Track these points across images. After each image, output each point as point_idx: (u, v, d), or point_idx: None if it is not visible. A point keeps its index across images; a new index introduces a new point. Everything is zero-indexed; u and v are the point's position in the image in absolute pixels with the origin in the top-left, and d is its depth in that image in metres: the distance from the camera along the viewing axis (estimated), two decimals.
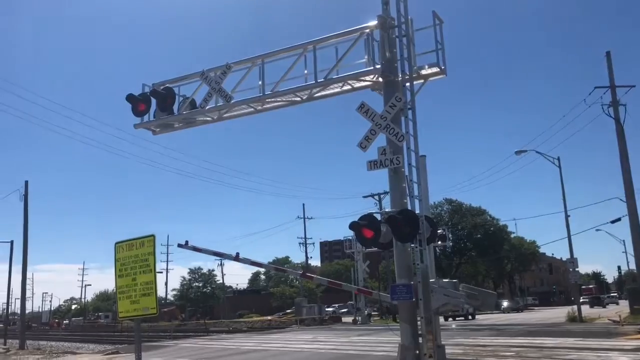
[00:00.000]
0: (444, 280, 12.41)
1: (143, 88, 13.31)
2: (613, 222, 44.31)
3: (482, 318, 49.81)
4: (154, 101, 13.16)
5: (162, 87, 13.18)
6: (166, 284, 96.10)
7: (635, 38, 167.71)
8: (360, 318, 48.20)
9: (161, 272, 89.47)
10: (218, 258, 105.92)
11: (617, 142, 37.91)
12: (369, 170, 10.34)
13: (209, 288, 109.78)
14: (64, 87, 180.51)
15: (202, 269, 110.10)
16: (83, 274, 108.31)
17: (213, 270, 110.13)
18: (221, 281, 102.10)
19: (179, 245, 18.21)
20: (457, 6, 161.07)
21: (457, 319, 46.14)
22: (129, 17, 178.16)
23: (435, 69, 10.85)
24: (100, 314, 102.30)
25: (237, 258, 17.61)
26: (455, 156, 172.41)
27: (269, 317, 62.58)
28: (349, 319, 51.65)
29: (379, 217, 10.37)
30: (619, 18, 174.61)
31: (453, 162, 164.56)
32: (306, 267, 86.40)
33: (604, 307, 64.60)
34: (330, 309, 65.05)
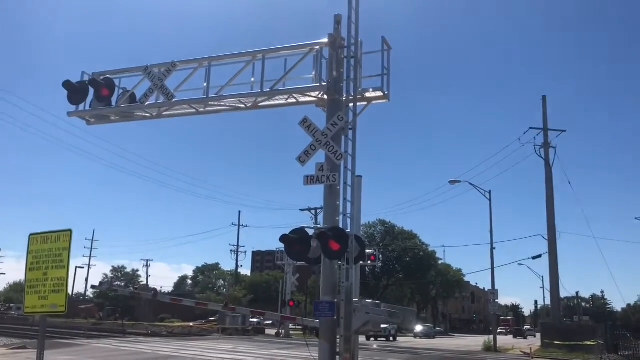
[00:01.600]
0: (367, 300, 12.54)
1: (82, 76, 12.81)
2: (534, 258, 46.60)
3: (402, 341, 50.66)
4: (91, 90, 12.72)
5: (102, 77, 12.74)
6: (87, 279, 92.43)
7: (569, 85, 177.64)
8: (283, 331, 47.95)
9: (82, 268, 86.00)
10: (144, 259, 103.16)
11: (544, 183, 39.93)
12: (305, 185, 10.37)
13: (132, 288, 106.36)
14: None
15: (125, 268, 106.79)
16: None
17: (137, 270, 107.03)
18: (145, 282, 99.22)
19: (92, 287, 19.23)
20: (410, 35, 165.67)
21: (378, 339, 46.69)
22: (79, 3, 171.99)
23: (379, 93, 11.04)
24: (12, 305, 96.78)
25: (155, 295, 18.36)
26: (394, 180, 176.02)
27: (191, 324, 61.14)
28: (273, 331, 51.28)
29: (311, 232, 10.39)
30: (558, 63, 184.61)
31: (391, 185, 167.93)
32: (236, 275, 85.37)
33: (525, 338, 68.53)
34: (255, 320, 64.26)
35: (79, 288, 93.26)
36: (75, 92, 12.69)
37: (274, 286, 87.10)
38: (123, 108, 12.79)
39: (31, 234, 9.28)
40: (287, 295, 50.37)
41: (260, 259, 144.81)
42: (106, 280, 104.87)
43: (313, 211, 53.12)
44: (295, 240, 9.97)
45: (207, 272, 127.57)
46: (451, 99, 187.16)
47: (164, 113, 12.86)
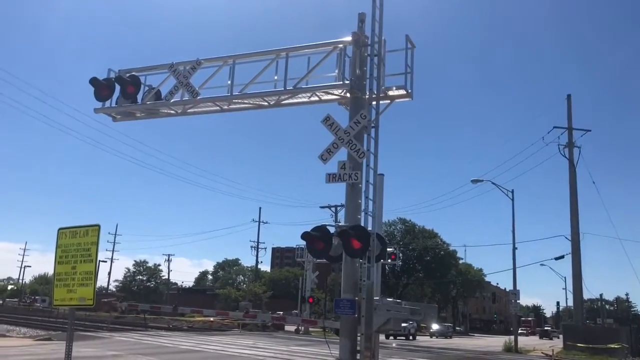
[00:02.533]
0: (388, 299, 12.57)
1: (109, 73, 13.06)
2: (557, 258, 45.94)
3: (422, 340, 50.48)
4: (118, 87, 12.94)
5: (128, 75, 12.95)
6: (109, 273, 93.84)
7: (594, 84, 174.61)
8: (302, 328, 48.10)
9: (105, 262, 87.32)
10: (166, 254, 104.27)
11: (568, 182, 39.37)
12: (328, 183, 10.42)
13: (154, 282, 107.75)
14: (23, 62, 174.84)
15: (147, 262, 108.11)
16: (24, 254, 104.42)
17: (159, 265, 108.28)
18: (166, 277, 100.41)
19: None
20: (432, 34, 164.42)
21: (398, 338, 46.60)
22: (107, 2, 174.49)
23: (402, 91, 11.02)
24: (37, 297, 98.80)
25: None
26: (415, 178, 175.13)
27: (211, 318, 61.66)
28: (292, 328, 51.47)
29: (332, 229, 10.44)
30: (583, 62, 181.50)
31: (412, 183, 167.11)
32: (256, 270, 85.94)
33: (551, 339, 68.85)
34: (271, 315, 64.64)
35: (102, 282, 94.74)
36: (101, 88, 12.93)
37: (293, 282, 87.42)
38: (148, 105, 12.98)
39: (60, 229, 9.53)
40: (306, 292, 50.51)
41: (280, 255, 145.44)
42: (129, 274, 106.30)
43: (333, 208, 53.16)
44: (316, 238, 10.02)
45: (227, 268, 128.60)
46: (474, 96, 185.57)
47: (189, 110, 13.01)
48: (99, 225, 8.93)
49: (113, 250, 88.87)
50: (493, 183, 40.49)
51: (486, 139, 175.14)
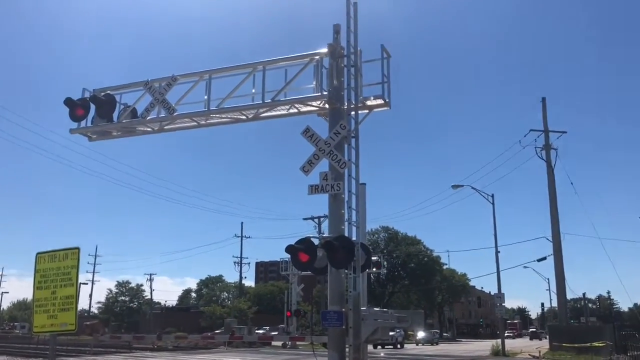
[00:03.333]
0: (375, 308, 12.52)
1: (83, 93, 12.87)
2: (539, 260, 46.36)
3: (409, 347, 50.43)
4: (92, 107, 12.77)
5: (102, 94, 12.80)
6: (90, 295, 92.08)
7: (569, 85, 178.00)
8: (289, 342, 47.69)
9: (86, 284, 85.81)
10: (147, 273, 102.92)
11: (547, 184, 39.88)
12: (310, 194, 10.37)
13: (136, 303, 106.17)
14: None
15: (130, 283, 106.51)
16: (0, 281, 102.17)
17: (142, 285, 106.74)
18: (149, 296, 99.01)
19: None
20: (407, 40, 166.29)
21: (385, 347, 46.46)
22: (78, 19, 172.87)
23: (380, 101, 11.05)
24: (16, 323, 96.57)
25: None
26: (396, 186, 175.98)
27: (189, 339, 60.65)
28: (279, 343, 50.99)
29: (316, 241, 10.37)
30: (559, 62, 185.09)
31: (393, 191, 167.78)
32: (240, 286, 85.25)
33: (541, 340, 70.12)
34: (261, 331, 64.09)
35: (83, 304, 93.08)
36: (76, 109, 12.74)
37: (278, 296, 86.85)
38: (125, 123, 12.82)
39: (38, 253, 9.25)
40: (292, 305, 50.22)
41: (264, 269, 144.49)
42: (111, 295, 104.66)
43: (316, 220, 53.08)
44: (301, 250, 9.94)
45: (210, 285, 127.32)
46: (451, 103, 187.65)
47: (166, 127, 12.87)
48: (78, 248, 8.75)
49: (94, 272, 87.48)
50: (473, 188, 40.85)
51: (465, 145, 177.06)
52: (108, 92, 12.86)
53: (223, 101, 11.91)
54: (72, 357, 31.43)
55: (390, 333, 43.00)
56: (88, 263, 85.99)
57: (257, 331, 58.67)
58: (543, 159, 39.35)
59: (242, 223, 76.37)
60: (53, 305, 8.67)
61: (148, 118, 12.46)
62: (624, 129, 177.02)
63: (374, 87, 11.16)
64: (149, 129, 13.07)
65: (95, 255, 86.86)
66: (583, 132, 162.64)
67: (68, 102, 12.66)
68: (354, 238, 9.85)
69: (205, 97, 12.05)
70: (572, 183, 57.77)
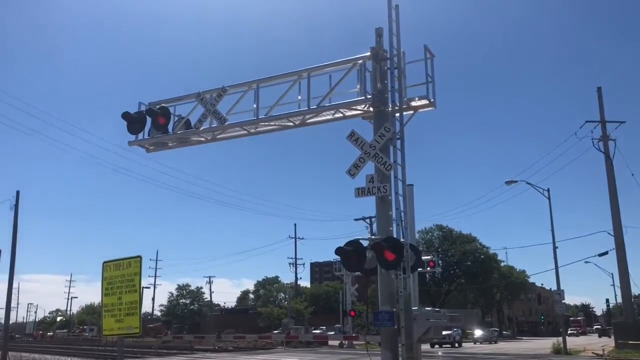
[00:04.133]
0: (427, 308, 12.61)
1: (139, 106, 13.57)
2: (601, 255, 44.71)
3: (467, 346, 49.67)
4: (149, 119, 13.42)
5: (157, 107, 13.43)
6: (153, 299, 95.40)
7: (627, 74, 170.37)
8: (346, 342, 47.93)
9: (148, 288, 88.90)
10: (207, 276, 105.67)
11: (606, 176, 38.49)
12: (357, 197, 10.59)
13: (196, 305, 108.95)
14: (59, 99, 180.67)
15: (190, 286, 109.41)
16: (70, 286, 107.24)
17: (201, 287, 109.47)
18: (209, 298, 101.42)
19: None
20: (452, 37, 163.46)
21: (443, 346, 45.97)
22: (131, 35, 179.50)
23: (424, 101, 11.15)
24: (85, 327, 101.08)
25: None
26: (448, 184, 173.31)
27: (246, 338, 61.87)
28: (336, 342, 51.32)
29: (365, 242, 10.58)
30: (613, 52, 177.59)
31: (445, 189, 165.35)
32: (296, 287, 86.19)
33: (609, 337, 67.20)
34: (318, 331, 64.65)
35: (146, 307, 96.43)
36: (134, 122, 13.44)
37: (333, 297, 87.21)
38: (179, 134, 13.42)
39: (104, 262, 10.07)
40: (347, 305, 50.41)
41: (319, 270, 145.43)
42: (172, 298, 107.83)
43: (368, 220, 53.03)
44: (350, 252, 10.18)
45: (267, 286, 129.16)
46: (503, 98, 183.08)
47: (218, 136, 13.39)
48: (140, 257, 9.40)
49: (155, 276, 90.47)
50: (528, 183, 39.83)
51: (519, 141, 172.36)
52: (163, 104, 13.49)
53: (271, 109, 12.29)
54: (137, 357, 32.77)
55: (447, 332, 42.59)
56: (149, 267, 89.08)
57: (313, 331, 59.27)
58: (601, 151, 37.95)
59: (295, 224, 76.98)
60: (119, 310, 9.36)
61: (201, 128, 13.00)
62: None
63: (418, 87, 11.28)
64: (202, 139, 13.62)
65: (157, 260, 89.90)
66: None
67: (126, 115, 13.37)
68: (402, 239, 9.98)
69: (254, 105, 12.48)
70: (632, 174, 55.22)
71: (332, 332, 67.58)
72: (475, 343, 57.09)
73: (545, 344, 43.98)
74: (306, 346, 47.37)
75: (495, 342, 58.91)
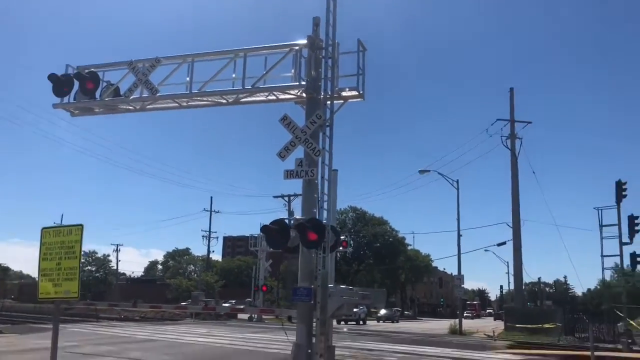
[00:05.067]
0: (341, 286, 13.38)
1: (67, 69, 13.21)
2: (499, 244, 48.16)
3: (371, 324, 52.02)
4: (76, 83, 13.11)
5: (86, 71, 13.14)
6: None
7: (535, 75, 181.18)
8: (255, 316, 48.74)
9: None
10: (114, 243, 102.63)
11: (510, 172, 41.39)
12: (285, 179, 11.05)
13: (102, 273, 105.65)
14: None
15: (97, 253, 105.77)
16: None
17: (108, 255, 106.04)
18: (115, 267, 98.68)
19: None
20: (383, 29, 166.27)
21: (348, 322, 47.91)
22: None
23: (354, 92, 11.71)
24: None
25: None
26: (366, 171, 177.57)
27: (163, 308, 61.19)
28: (245, 316, 52.05)
29: (288, 222, 11.11)
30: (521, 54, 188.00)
31: (363, 175, 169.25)
32: (208, 260, 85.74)
33: (503, 320, 73.22)
34: (227, 305, 64.91)
35: None
36: (60, 84, 13.07)
37: (245, 271, 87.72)
38: (107, 101, 13.23)
39: (43, 228, 10.24)
40: (260, 280, 51.11)
41: (232, 244, 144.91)
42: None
43: (286, 198, 53.74)
44: (275, 231, 10.68)
45: (177, 257, 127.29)
46: (424, 91, 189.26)
47: (148, 107, 13.33)
48: (82, 225, 9.64)
49: None
50: (439, 173, 42.04)
51: (435, 133, 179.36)
52: (92, 69, 13.21)
53: (205, 85, 12.41)
54: (41, 324, 31.69)
55: (354, 310, 44.45)
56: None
57: (223, 304, 59.49)
58: (508, 148, 40.77)
59: (211, 197, 76.44)
60: (58, 275, 9.46)
61: (131, 97, 12.89)
62: (586, 119, 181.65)
63: (349, 78, 11.80)
64: (130, 108, 13.49)
65: (61, 225, 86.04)
66: (549, 121, 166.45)
67: (52, 77, 12.98)
68: (324, 221, 10.60)
69: (187, 79, 12.53)
70: (534, 172, 59.40)
71: (242, 306, 68.20)
72: (378, 321, 59.79)
73: (443, 325, 46.96)
74: (215, 319, 47.69)
75: (397, 322, 61.97)
